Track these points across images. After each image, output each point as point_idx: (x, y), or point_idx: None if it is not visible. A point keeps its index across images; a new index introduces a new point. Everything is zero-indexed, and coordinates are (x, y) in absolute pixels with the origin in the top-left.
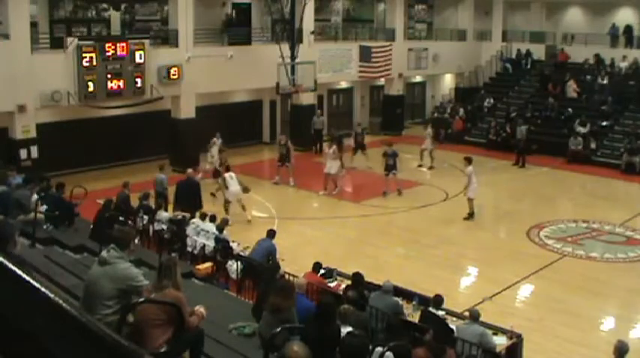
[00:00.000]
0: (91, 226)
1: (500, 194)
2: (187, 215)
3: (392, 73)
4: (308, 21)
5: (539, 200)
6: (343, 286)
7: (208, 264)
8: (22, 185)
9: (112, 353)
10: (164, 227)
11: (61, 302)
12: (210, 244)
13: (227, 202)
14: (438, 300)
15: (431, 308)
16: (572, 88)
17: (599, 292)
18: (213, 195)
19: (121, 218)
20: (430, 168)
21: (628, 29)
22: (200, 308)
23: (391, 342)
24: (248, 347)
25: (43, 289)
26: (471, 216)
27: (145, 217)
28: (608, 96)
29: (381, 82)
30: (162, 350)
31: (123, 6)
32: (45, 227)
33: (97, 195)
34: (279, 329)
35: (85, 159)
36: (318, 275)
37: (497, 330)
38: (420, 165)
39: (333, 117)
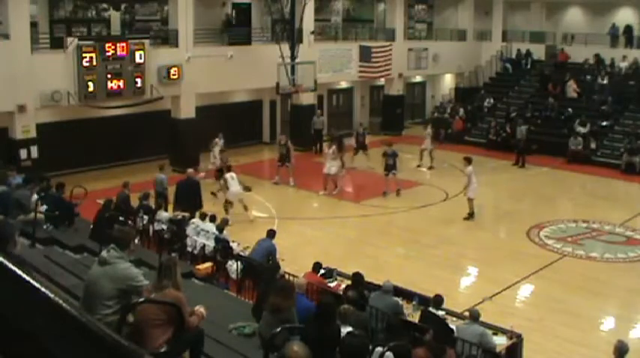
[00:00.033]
0: (91, 226)
1: (500, 194)
2: (187, 215)
3: (392, 73)
4: (308, 21)
5: (539, 200)
6: (343, 286)
7: (208, 264)
8: (22, 185)
9: (112, 353)
10: (164, 227)
11: (61, 302)
12: (210, 244)
13: (227, 202)
14: (438, 300)
15: (431, 308)
16: (572, 88)
17: (599, 292)
18: (214, 194)
19: (121, 218)
20: (430, 168)
21: (628, 29)
22: (200, 308)
23: (391, 342)
24: (248, 347)
25: (43, 289)
26: (471, 216)
27: (145, 217)
28: (608, 96)
29: (381, 82)
30: (162, 350)
31: (123, 6)
32: (45, 227)
33: (97, 195)
34: (279, 329)
35: (85, 159)
36: (318, 275)
37: (497, 330)
38: (418, 166)
39: (333, 117)
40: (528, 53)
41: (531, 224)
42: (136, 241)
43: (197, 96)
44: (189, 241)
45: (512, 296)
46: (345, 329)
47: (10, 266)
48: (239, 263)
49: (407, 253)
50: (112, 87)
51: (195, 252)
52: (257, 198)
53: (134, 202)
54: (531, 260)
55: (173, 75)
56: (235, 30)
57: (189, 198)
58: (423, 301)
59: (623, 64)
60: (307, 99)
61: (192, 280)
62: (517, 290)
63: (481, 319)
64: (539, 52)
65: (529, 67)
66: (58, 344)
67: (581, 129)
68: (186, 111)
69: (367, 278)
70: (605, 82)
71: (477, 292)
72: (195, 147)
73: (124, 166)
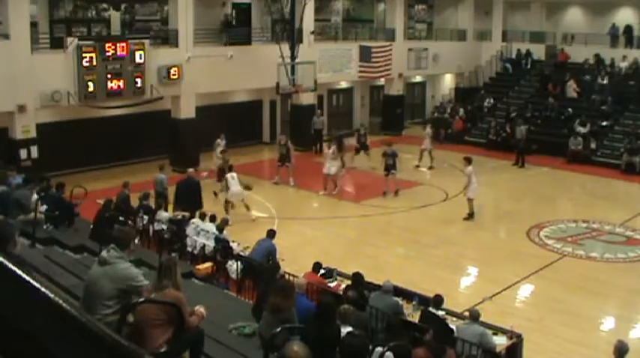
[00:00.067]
0: (91, 226)
1: (500, 194)
2: (187, 215)
3: (392, 73)
4: (308, 21)
5: (539, 200)
6: (343, 286)
7: (208, 264)
8: (22, 185)
9: (112, 353)
10: (164, 227)
11: (61, 302)
12: (210, 244)
13: (227, 202)
14: (438, 300)
15: (431, 308)
16: (572, 88)
17: (599, 292)
18: (216, 194)
19: (121, 218)
20: (430, 168)
21: (628, 29)
22: (200, 308)
23: (391, 342)
24: (248, 347)
25: (43, 289)
26: (470, 216)
27: (145, 217)
28: (608, 96)
29: (381, 82)
30: (162, 350)
31: (123, 6)
32: (45, 227)
33: (97, 195)
34: (279, 329)
35: (85, 159)
36: (318, 275)
37: (497, 330)
38: (417, 166)
39: (333, 117)
40: (528, 53)
41: (531, 224)
42: (136, 241)
43: (197, 96)
44: (189, 241)
45: (512, 296)
46: (345, 329)
47: (10, 266)
48: (239, 263)
49: (407, 253)
50: (112, 87)
51: (195, 252)
52: (257, 198)
53: (134, 202)
54: (531, 260)
55: (173, 75)
56: (235, 30)
57: (189, 198)
58: (423, 301)
59: (623, 64)
60: (307, 99)
61: (192, 280)
62: (517, 290)
63: (481, 319)
64: (539, 52)
65: (529, 67)
66: (58, 344)
67: (581, 129)
68: (186, 111)
69: (367, 278)
70: (605, 81)
71: (477, 292)
72: (195, 147)
73: (124, 166)
